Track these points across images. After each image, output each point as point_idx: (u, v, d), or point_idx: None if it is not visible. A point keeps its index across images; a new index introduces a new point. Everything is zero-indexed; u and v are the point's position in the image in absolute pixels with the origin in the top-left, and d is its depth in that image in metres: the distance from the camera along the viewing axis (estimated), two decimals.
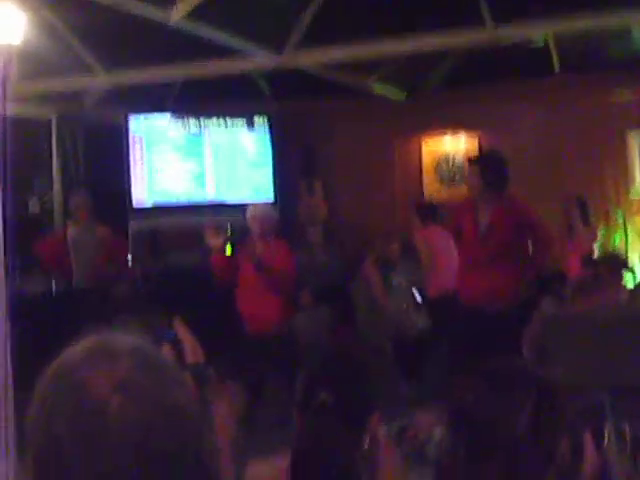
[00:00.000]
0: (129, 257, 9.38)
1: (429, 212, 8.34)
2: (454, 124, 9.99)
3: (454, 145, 10.15)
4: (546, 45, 8.72)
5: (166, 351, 2.21)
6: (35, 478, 1.22)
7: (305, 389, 2.18)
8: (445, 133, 10.14)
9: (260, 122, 10.32)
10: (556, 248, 6.30)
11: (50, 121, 9.65)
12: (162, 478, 1.20)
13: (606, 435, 2.69)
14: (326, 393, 2.06)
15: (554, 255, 6.54)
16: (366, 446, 2.11)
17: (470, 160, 6.67)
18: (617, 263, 7.58)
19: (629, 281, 7.43)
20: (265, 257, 6.60)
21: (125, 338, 1.29)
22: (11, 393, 5.16)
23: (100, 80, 8.41)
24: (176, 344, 2.28)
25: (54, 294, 8.66)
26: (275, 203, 10.07)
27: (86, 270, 8.34)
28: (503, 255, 5.92)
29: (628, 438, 2.76)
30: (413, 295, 8.26)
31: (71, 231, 8.49)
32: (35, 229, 9.15)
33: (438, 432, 3.24)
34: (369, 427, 2.17)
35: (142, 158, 9.77)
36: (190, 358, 2.21)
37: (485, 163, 6.23)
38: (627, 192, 9.44)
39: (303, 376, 2.23)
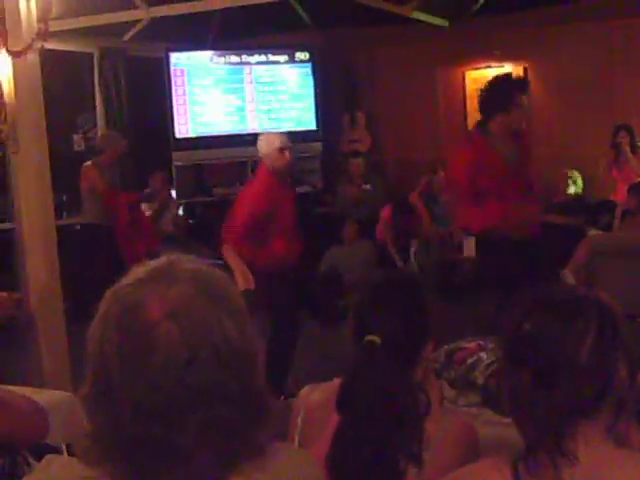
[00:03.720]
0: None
1: None
2: (499, 52, 9.79)
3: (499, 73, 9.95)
4: None
5: None
6: (89, 394, 1.23)
7: (357, 321, 2.14)
8: (490, 60, 9.95)
9: (302, 57, 10.25)
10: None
11: (92, 55, 9.62)
12: (204, 409, 1.19)
13: None
14: (375, 334, 2.01)
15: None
16: (417, 376, 2.09)
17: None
18: None
19: None
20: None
21: (190, 262, 1.28)
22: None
23: (142, 13, 8.35)
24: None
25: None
26: (318, 133, 10.08)
27: None
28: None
29: None
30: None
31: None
32: (81, 166, 9.18)
33: (485, 357, 3.26)
34: (423, 357, 2.15)
35: (184, 91, 9.78)
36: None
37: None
38: None
39: (355, 308, 2.19)
